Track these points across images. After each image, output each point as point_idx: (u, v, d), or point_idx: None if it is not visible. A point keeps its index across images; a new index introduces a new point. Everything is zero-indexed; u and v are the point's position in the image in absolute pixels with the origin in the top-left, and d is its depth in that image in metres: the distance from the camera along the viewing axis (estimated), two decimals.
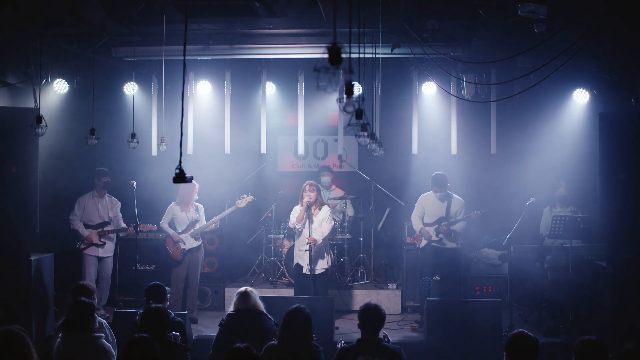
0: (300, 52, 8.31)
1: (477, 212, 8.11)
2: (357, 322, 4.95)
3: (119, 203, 8.75)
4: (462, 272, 8.49)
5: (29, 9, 6.83)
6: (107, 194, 8.69)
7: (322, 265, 7.97)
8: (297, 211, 7.97)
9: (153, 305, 5.13)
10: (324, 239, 7.95)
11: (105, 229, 8.52)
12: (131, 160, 9.00)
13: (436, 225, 8.09)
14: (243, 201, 8.51)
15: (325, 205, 8.09)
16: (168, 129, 8.06)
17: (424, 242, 8.17)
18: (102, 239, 8.48)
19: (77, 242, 8.42)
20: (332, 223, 8.12)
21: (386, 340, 5.10)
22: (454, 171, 8.73)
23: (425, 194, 8.31)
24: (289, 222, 8.23)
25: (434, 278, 8.35)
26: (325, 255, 8.03)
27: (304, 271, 7.88)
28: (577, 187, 8.55)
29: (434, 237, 8.08)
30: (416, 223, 8.24)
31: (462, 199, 8.19)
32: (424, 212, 8.22)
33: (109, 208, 8.65)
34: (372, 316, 4.91)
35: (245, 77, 9.52)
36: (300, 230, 7.93)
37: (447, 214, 8.09)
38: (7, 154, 7.12)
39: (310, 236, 7.73)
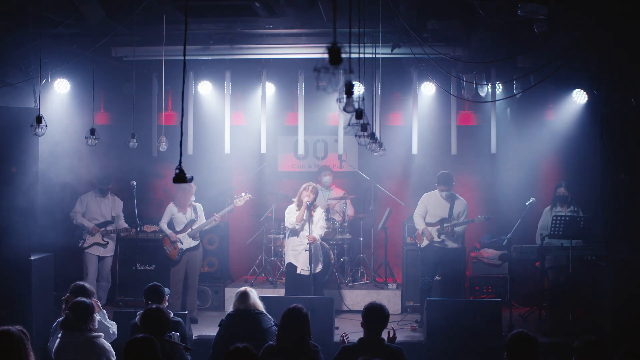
0: (300, 52, 8.29)
1: (481, 217, 8.09)
2: (358, 321, 4.96)
3: (122, 202, 8.77)
4: (463, 272, 8.48)
5: (29, 9, 6.83)
6: (109, 193, 8.71)
7: (319, 265, 7.99)
8: (293, 211, 7.96)
9: (154, 306, 5.13)
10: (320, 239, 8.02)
11: (107, 228, 8.53)
12: (131, 160, 9.00)
13: (438, 226, 8.08)
14: (241, 200, 8.51)
15: (319, 207, 8.15)
16: (168, 129, 8.06)
17: (425, 242, 8.15)
18: (104, 239, 8.49)
19: (80, 241, 8.42)
20: (326, 224, 8.21)
21: (392, 335, 5.13)
22: (454, 171, 8.71)
23: (429, 193, 8.29)
24: (284, 222, 8.23)
25: (435, 278, 8.34)
26: (320, 255, 8.05)
27: (298, 271, 7.88)
28: (577, 187, 8.55)
29: (436, 238, 8.07)
30: (419, 222, 8.22)
31: (465, 201, 8.18)
32: (426, 212, 8.21)
33: (111, 207, 8.66)
34: (376, 316, 4.90)
35: (245, 77, 9.50)
36: (298, 230, 7.92)
37: (450, 215, 8.07)
38: (7, 154, 7.12)
39: (310, 234, 7.73)
